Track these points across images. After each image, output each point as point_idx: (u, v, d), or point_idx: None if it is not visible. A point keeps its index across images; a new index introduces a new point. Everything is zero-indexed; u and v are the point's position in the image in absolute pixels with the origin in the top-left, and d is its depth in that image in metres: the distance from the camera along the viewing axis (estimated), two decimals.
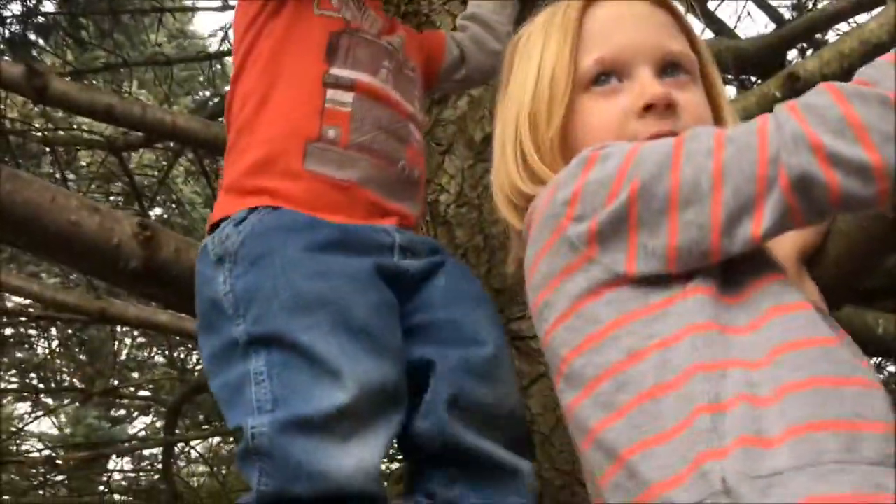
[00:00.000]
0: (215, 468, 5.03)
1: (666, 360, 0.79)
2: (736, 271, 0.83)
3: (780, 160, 0.75)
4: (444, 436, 1.08)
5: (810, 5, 4.71)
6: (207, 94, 8.53)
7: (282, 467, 1.00)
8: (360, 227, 1.17)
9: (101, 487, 5.26)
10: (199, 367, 4.84)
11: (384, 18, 1.37)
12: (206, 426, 5.11)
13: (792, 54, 4.04)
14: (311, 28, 1.24)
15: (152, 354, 6.66)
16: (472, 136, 1.89)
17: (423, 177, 1.31)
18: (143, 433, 8.08)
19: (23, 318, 3.95)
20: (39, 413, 6.04)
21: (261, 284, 1.07)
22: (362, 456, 1.00)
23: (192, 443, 4.83)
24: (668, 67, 0.97)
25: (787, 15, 4.56)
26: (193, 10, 3.71)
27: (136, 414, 8.03)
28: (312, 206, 1.15)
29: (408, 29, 1.48)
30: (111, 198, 6.32)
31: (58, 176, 3.91)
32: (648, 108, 0.94)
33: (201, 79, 7.60)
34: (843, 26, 3.22)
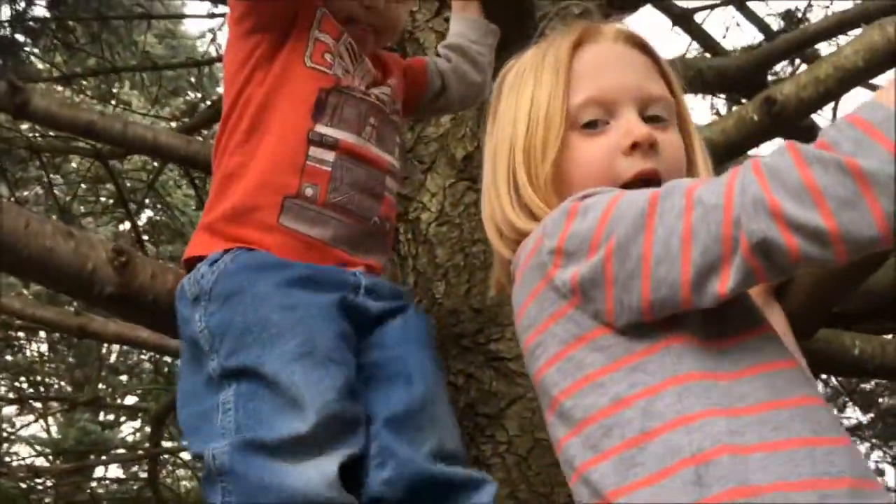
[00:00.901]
0: (201, 475, 5.02)
1: (650, 408, 0.83)
2: (720, 315, 0.86)
3: (741, 225, 0.77)
4: (406, 474, 1.10)
5: (799, 16, 4.74)
6: (198, 95, 8.54)
7: (243, 484, 1.04)
8: (329, 267, 1.21)
9: (89, 492, 5.25)
10: None
11: (378, 66, 1.37)
12: None
13: (780, 65, 4.06)
14: (302, 82, 1.25)
15: (139, 361, 6.65)
16: (453, 155, 1.89)
17: (393, 224, 1.36)
18: (132, 437, 8.08)
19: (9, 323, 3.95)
20: (31, 419, 6.02)
21: (232, 319, 1.11)
22: (321, 471, 1.03)
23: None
24: (649, 109, 1.03)
25: (775, 26, 4.59)
26: (182, 16, 3.70)
27: (123, 419, 8.02)
28: (283, 256, 1.19)
29: (396, 62, 1.48)
30: (101, 200, 6.31)
31: (45, 180, 3.90)
32: (634, 147, 0.99)
33: (192, 79, 7.59)
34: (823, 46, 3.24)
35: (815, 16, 4.87)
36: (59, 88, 5.46)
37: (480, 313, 1.68)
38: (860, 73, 1.62)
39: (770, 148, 1.75)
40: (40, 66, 4.85)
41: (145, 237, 5.41)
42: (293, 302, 1.11)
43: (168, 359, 5.40)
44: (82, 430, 6.56)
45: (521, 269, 0.97)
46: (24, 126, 4.71)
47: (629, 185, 0.98)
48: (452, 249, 1.79)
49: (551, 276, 0.91)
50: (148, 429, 8.19)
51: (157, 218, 6.78)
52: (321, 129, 1.24)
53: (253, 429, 1.04)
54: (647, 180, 0.98)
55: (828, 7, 4.72)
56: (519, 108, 1.05)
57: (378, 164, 1.31)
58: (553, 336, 0.92)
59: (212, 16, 3.88)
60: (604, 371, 0.88)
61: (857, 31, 1.88)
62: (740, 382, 0.83)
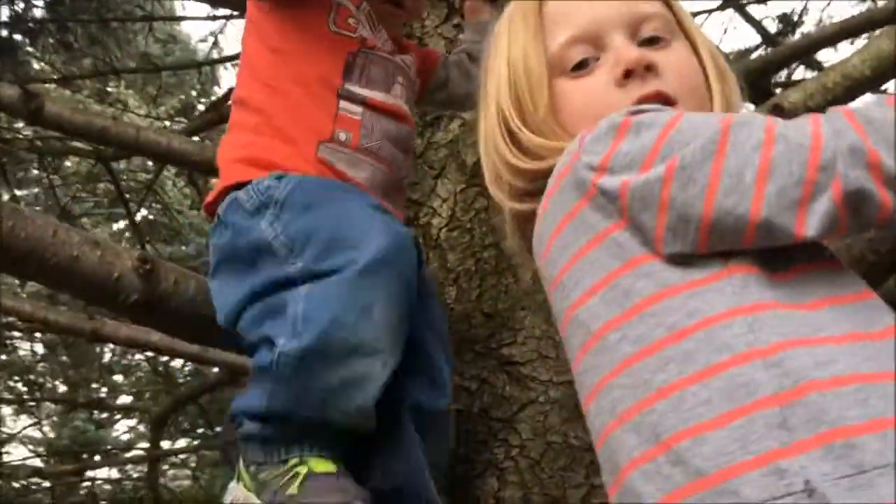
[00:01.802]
0: (199, 474, 5.03)
1: (714, 339, 0.73)
2: (781, 248, 0.77)
3: (836, 169, 0.71)
4: None
5: (795, 19, 4.78)
6: (193, 93, 8.52)
7: (296, 395, 1.09)
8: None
9: (84, 492, 5.25)
10: (186, 379, 4.82)
11: (394, 39, 1.42)
12: (191, 432, 5.10)
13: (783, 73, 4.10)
14: (330, 46, 1.29)
15: (133, 360, 6.65)
16: (464, 160, 1.91)
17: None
18: (127, 436, 8.06)
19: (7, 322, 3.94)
20: (29, 423, 6.00)
21: (319, 227, 1.15)
22: (368, 389, 1.10)
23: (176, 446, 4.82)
24: (642, 31, 0.95)
25: (773, 28, 4.63)
26: (182, 18, 3.70)
27: (119, 417, 8.01)
28: None
29: (410, 44, 1.54)
30: (98, 199, 6.30)
31: (45, 181, 3.90)
32: (628, 75, 0.92)
33: (188, 77, 7.58)
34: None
35: (812, 18, 4.92)
36: (51, 87, 5.45)
37: (492, 318, 1.71)
38: (867, 82, 1.65)
39: None
40: (36, 66, 4.84)
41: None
42: (380, 220, 1.17)
43: (170, 361, 5.41)
44: (77, 430, 6.55)
45: (550, 193, 0.88)
46: (20, 124, 4.71)
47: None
48: (464, 254, 1.81)
49: (592, 193, 0.81)
50: (143, 427, 8.18)
51: (154, 218, 6.78)
52: (350, 87, 1.29)
53: (319, 325, 1.08)
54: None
55: (823, 10, 4.75)
56: (500, 67, 0.99)
57: (407, 120, 1.37)
58: (593, 263, 0.82)
59: (213, 18, 3.88)
60: (656, 298, 0.77)
61: (861, 38, 1.91)
62: (817, 313, 0.74)
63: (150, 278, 1.22)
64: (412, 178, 1.88)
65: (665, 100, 0.91)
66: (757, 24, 4.42)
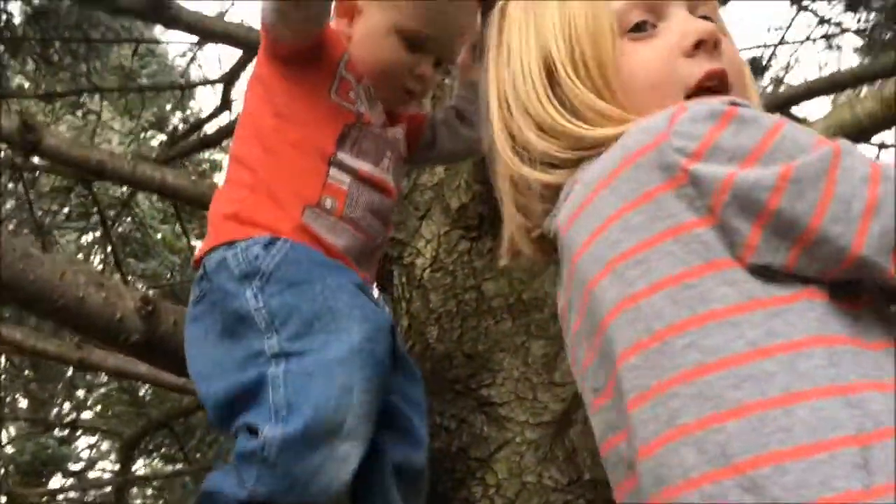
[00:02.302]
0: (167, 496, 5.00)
1: (796, 366, 0.70)
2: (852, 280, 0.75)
3: None
4: None
5: (764, 63, 4.95)
6: (168, 106, 8.51)
7: (281, 478, 1.13)
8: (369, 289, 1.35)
9: None
10: (158, 403, 4.81)
11: (388, 113, 1.48)
12: (157, 454, 5.07)
13: None
14: (327, 113, 1.35)
15: (96, 377, 6.58)
16: (448, 204, 1.98)
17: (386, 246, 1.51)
18: (87, 452, 7.96)
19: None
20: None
21: (299, 305, 1.19)
22: (347, 470, 1.15)
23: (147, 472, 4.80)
24: (698, 10, 0.93)
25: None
26: (168, 42, 3.75)
27: (79, 434, 7.90)
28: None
29: (402, 113, 1.59)
30: (72, 213, 6.26)
31: (23, 198, 3.90)
32: (697, 47, 0.88)
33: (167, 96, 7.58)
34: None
35: (780, 62, 5.11)
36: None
37: (472, 359, 1.77)
38: None
39: None
40: (19, 83, 4.84)
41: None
42: (361, 303, 1.22)
43: (142, 385, 5.37)
44: (40, 445, 6.46)
45: (617, 170, 0.80)
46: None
47: (695, 91, 0.88)
48: (446, 295, 1.88)
49: (683, 175, 0.75)
50: (105, 445, 8.09)
51: (127, 232, 6.75)
52: (342, 156, 1.35)
53: (303, 409, 1.12)
54: (713, 88, 0.87)
55: (792, 55, 4.94)
56: (543, 27, 0.92)
57: (391, 193, 1.44)
58: (665, 255, 0.76)
59: (198, 44, 3.93)
60: (738, 309, 0.72)
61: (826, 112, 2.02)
62: (879, 354, 0.72)
63: (151, 319, 1.27)
64: (398, 218, 1.97)
65: (726, 83, 0.88)
66: None
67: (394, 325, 1.34)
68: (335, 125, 1.34)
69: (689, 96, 0.87)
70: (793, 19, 4.73)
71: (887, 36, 4.64)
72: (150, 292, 1.34)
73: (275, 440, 1.12)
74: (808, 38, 4.67)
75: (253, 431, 1.15)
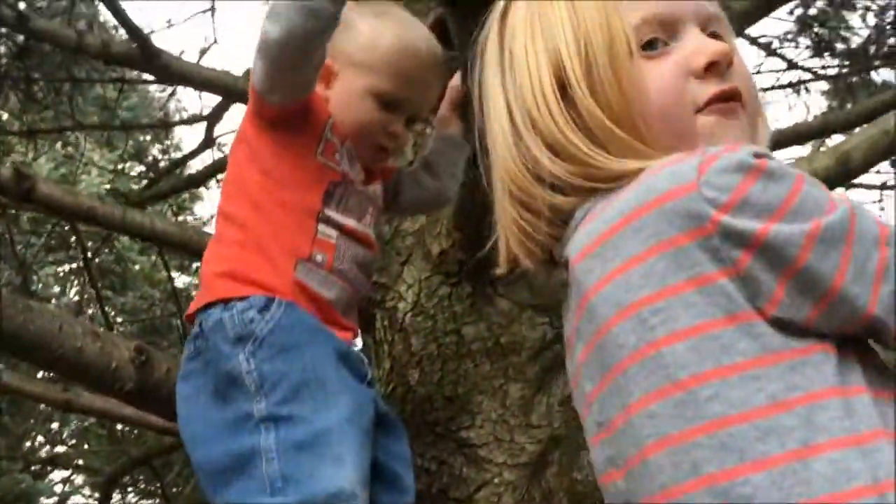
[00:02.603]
0: None
1: (813, 418, 0.72)
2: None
3: None
4: None
5: None
6: (148, 137, 8.54)
7: None
8: (352, 349, 1.40)
9: None
10: (140, 441, 4.80)
11: (366, 170, 1.55)
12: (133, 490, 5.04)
13: None
14: (313, 173, 1.42)
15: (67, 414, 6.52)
16: (429, 250, 2.05)
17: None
18: (60, 486, 7.85)
19: None
20: None
21: (289, 371, 1.25)
22: None
23: None
24: (709, 27, 0.91)
25: None
26: (151, 82, 3.81)
27: (51, 469, 7.80)
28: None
29: (377, 169, 1.66)
30: (50, 243, 6.25)
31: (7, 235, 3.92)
32: (709, 68, 0.87)
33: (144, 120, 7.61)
34: None
35: None
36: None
37: (452, 402, 1.83)
38: None
39: None
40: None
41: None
42: (345, 375, 1.29)
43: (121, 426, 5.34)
44: (14, 480, 6.37)
45: (643, 208, 0.79)
46: None
47: (705, 108, 0.87)
48: (427, 339, 1.94)
49: (711, 226, 0.75)
50: (79, 480, 7.99)
51: (105, 265, 6.75)
52: (329, 212, 1.41)
53: (300, 482, 1.16)
54: (727, 103, 0.87)
55: (763, 96, 5.08)
56: (554, 37, 0.89)
57: (373, 247, 1.51)
58: (688, 305, 0.76)
59: (185, 84, 4.00)
60: (759, 362, 0.74)
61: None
62: (889, 404, 0.75)
63: (144, 368, 1.32)
64: (381, 263, 2.04)
65: (741, 100, 0.89)
66: None
67: (375, 394, 1.40)
68: (321, 184, 1.41)
69: (699, 110, 0.87)
70: (760, 64, 4.89)
71: (852, 80, 4.83)
72: (140, 342, 1.39)
73: None
74: (777, 82, 4.83)
75: None
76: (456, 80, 1.74)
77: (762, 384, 0.74)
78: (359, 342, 1.78)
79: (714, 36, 0.90)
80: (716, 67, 0.87)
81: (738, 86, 0.88)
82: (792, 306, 0.75)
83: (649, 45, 0.88)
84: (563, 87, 0.88)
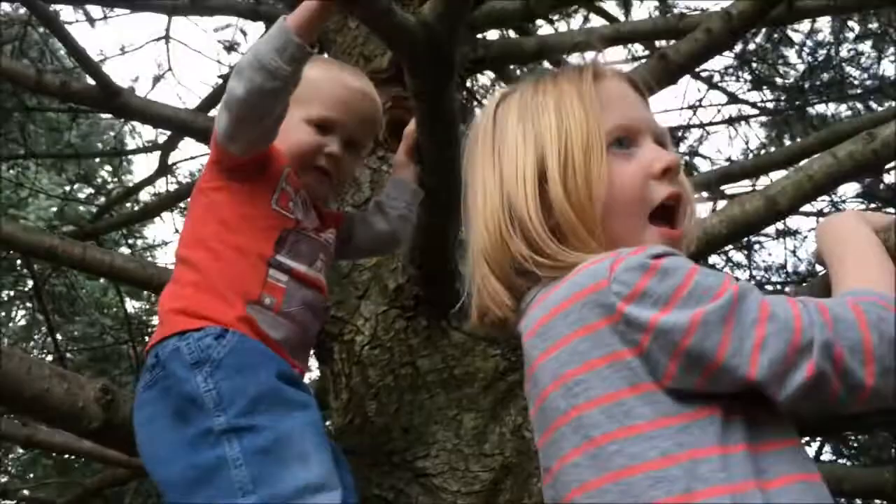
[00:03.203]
0: None
1: (696, 471, 0.88)
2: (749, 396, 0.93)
3: (811, 354, 0.88)
4: None
5: (679, 134, 5.29)
6: (97, 160, 8.44)
7: None
8: (300, 378, 1.48)
9: None
10: (89, 471, 4.73)
11: (320, 217, 1.64)
12: None
13: None
14: (268, 220, 1.50)
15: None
16: (386, 285, 2.12)
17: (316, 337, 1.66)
18: None
19: None
20: None
21: (246, 387, 1.33)
22: None
23: None
24: (658, 139, 1.11)
25: None
26: (105, 111, 3.81)
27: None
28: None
29: (330, 214, 1.74)
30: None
31: None
32: (664, 173, 1.07)
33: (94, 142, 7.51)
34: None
35: (693, 137, 5.47)
36: None
37: (408, 432, 1.90)
38: (722, 240, 1.98)
39: None
40: None
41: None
42: (293, 390, 1.37)
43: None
44: None
45: (570, 299, 0.98)
46: None
47: (658, 209, 1.06)
48: (383, 371, 2.01)
49: (618, 315, 0.93)
50: None
51: (55, 291, 6.63)
52: (280, 258, 1.49)
53: (268, 482, 1.23)
54: (670, 206, 1.07)
55: (703, 127, 5.29)
56: (540, 135, 1.08)
57: (323, 291, 1.58)
58: (602, 378, 0.94)
59: (143, 120, 4.02)
60: (654, 424, 0.91)
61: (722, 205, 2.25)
62: (771, 455, 0.91)
63: (109, 407, 1.36)
64: (339, 297, 2.10)
65: (682, 203, 1.09)
66: None
67: (320, 406, 1.47)
68: (274, 231, 1.50)
69: (652, 214, 1.07)
70: (702, 98, 5.10)
71: (789, 114, 5.06)
72: (104, 381, 1.43)
73: None
74: (718, 115, 5.03)
75: None
76: (411, 126, 1.83)
77: (656, 442, 0.91)
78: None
79: (662, 146, 1.11)
80: (669, 173, 1.07)
81: (680, 191, 1.08)
82: (682, 379, 0.92)
83: (618, 143, 1.08)
84: (542, 178, 1.06)
